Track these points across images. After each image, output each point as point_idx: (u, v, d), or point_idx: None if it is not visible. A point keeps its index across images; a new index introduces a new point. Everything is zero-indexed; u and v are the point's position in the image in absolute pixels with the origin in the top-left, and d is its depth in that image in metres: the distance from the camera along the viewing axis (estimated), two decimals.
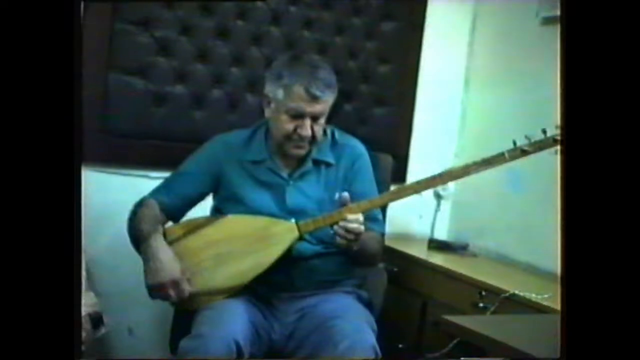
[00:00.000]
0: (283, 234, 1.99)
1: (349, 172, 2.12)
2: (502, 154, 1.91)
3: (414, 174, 2.77)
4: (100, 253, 2.37)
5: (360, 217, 1.90)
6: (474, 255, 2.77)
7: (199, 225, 2.04)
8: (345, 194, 1.93)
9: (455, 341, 1.90)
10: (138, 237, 2.03)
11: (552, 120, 1.76)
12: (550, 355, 1.45)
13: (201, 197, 2.15)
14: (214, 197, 2.16)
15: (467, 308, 2.30)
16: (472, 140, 2.95)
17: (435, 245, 2.80)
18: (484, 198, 2.84)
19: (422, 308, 2.51)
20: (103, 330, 1.90)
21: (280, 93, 2.00)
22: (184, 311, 2.03)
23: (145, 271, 1.99)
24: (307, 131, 2.00)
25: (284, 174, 2.10)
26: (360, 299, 2.10)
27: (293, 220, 2.00)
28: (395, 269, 2.56)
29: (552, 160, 1.74)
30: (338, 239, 1.91)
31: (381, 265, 2.37)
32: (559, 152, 1.79)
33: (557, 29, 1.80)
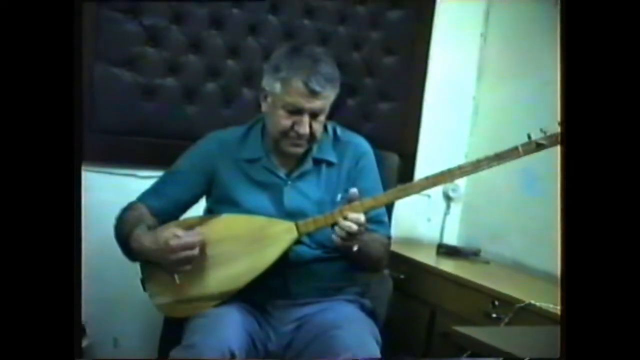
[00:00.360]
0: (281, 235, 1.98)
1: (353, 172, 2.12)
2: (516, 147, 1.90)
3: (421, 174, 2.74)
4: (82, 258, 2.35)
5: (361, 217, 1.89)
6: (487, 261, 2.79)
7: (191, 225, 2.02)
8: (354, 190, 1.92)
9: (466, 354, 1.89)
10: (126, 245, 2.02)
11: None
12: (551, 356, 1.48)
13: (194, 200, 2.14)
14: (207, 199, 2.15)
15: (478, 318, 2.30)
16: (485, 138, 2.97)
17: (445, 250, 2.83)
18: (497, 200, 2.86)
19: (430, 318, 2.52)
20: (85, 341, 1.89)
21: (277, 87, 2.00)
22: (174, 320, 2.02)
23: (143, 273, 2.01)
24: (304, 128, 1.99)
25: (282, 173, 2.09)
26: (363, 308, 2.09)
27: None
28: (402, 276, 2.58)
29: None
30: (334, 237, 1.90)
31: (386, 271, 2.37)
32: None
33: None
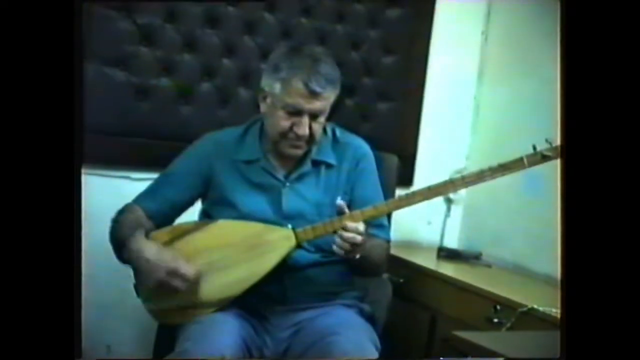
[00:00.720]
0: (279, 242, 1.98)
1: (352, 174, 2.12)
2: (521, 159, 1.90)
3: (421, 177, 2.78)
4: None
5: (360, 226, 1.89)
6: (488, 265, 2.79)
7: (186, 230, 2.04)
8: (341, 202, 1.93)
9: None
10: (121, 247, 2.02)
11: None
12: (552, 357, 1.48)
13: (191, 202, 2.14)
14: (203, 201, 2.15)
15: (480, 323, 2.31)
16: (486, 139, 2.96)
17: (445, 254, 2.83)
18: (499, 203, 2.85)
19: (430, 323, 2.53)
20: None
21: (277, 87, 2.00)
22: (168, 326, 2.03)
23: (137, 278, 2.00)
24: (304, 130, 2.00)
25: (280, 175, 2.09)
26: (361, 313, 2.09)
27: (290, 227, 2.00)
28: (401, 280, 2.58)
29: None
30: (335, 248, 1.91)
31: (385, 275, 2.38)
32: None
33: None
